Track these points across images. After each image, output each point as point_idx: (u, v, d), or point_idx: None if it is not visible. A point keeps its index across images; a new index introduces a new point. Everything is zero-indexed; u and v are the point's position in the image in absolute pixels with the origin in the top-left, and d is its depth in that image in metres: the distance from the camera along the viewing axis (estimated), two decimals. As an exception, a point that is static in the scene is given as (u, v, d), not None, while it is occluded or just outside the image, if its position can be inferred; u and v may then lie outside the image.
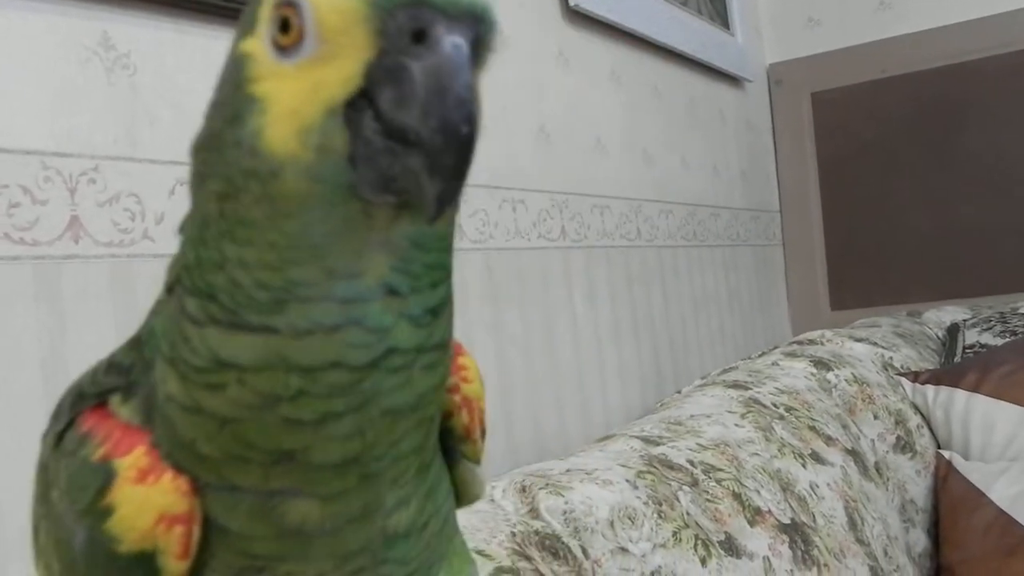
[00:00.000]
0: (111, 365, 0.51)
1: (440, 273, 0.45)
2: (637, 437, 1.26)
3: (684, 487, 1.16)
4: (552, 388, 1.90)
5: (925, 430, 1.97)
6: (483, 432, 0.59)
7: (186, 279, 0.45)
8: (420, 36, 0.40)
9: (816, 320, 3.09)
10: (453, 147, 0.39)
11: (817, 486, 1.39)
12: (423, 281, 0.44)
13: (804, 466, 1.41)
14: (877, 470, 1.70)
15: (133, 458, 0.47)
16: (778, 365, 1.83)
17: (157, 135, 1.27)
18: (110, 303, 1.20)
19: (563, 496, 1.03)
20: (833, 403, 1.75)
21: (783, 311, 3.25)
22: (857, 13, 3.18)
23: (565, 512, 1.01)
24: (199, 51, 1.33)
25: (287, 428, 0.43)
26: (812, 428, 1.54)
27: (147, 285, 1.23)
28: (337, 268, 0.42)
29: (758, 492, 1.25)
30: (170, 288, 0.47)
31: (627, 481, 1.10)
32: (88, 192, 1.18)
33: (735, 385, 1.62)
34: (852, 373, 1.91)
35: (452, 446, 0.56)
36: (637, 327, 2.27)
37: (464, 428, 0.56)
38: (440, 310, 0.46)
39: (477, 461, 0.59)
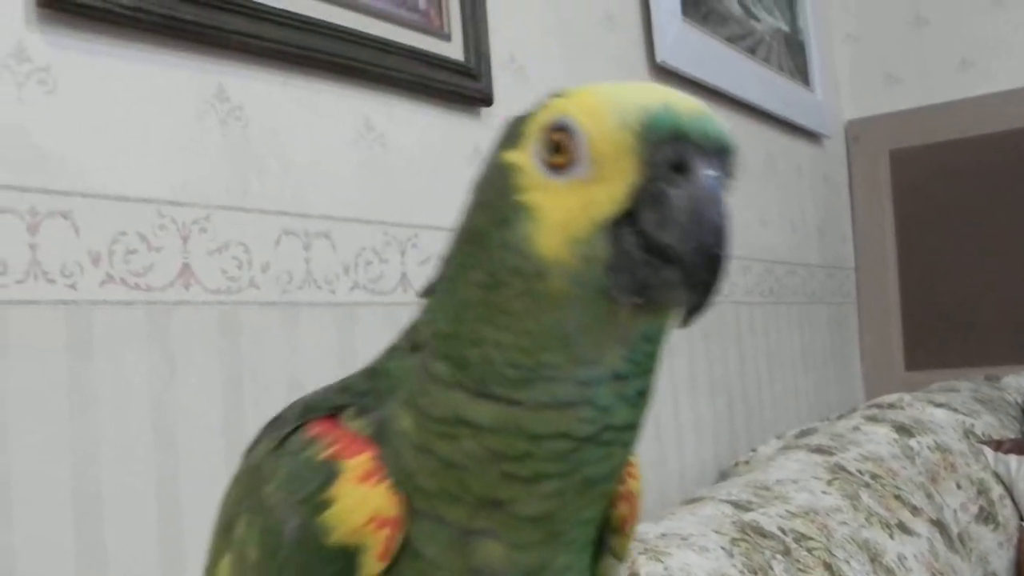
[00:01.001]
0: (344, 388, 0.57)
1: (654, 362, 0.51)
2: (727, 502, 1.26)
3: (777, 555, 1.15)
4: (630, 443, 1.89)
5: (1008, 501, 1.93)
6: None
7: (440, 346, 0.51)
8: (680, 167, 0.46)
9: (890, 381, 3.04)
10: (709, 267, 0.45)
11: (905, 558, 1.38)
12: (641, 368, 0.50)
13: (891, 536, 1.40)
14: (960, 541, 1.67)
15: (359, 461, 0.52)
16: (860, 430, 1.81)
17: (265, 185, 1.30)
18: (216, 348, 1.23)
19: (662, 562, 1.03)
20: (916, 471, 1.72)
21: (856, 370, 3.21)
22: (938, 71, 3.16)
23: (664, 579, 1.01)
24: (305, 104, 1.37)
25: (504, 481, 0.49)
26: (898, 497, 1.53)
27: (252, 332, 1.27)
28: (582, 356, 0.48)
29: (848, 563, 1.24)
30: (414, 346, 0.54)
31: (722, 548, 1.10)
32: (200, 240, 1.22)
33: (819, 450, 1.61)
34: (934, 440, 1.88)
35: (603, 538, 0.60)
36: (713, 383, 2.26)
37: (622, 520, 0.60)
38: (646, 393, 0.51)
39: (622, 559, 0.62)
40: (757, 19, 2.67)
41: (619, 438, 0.50)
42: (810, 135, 3.03)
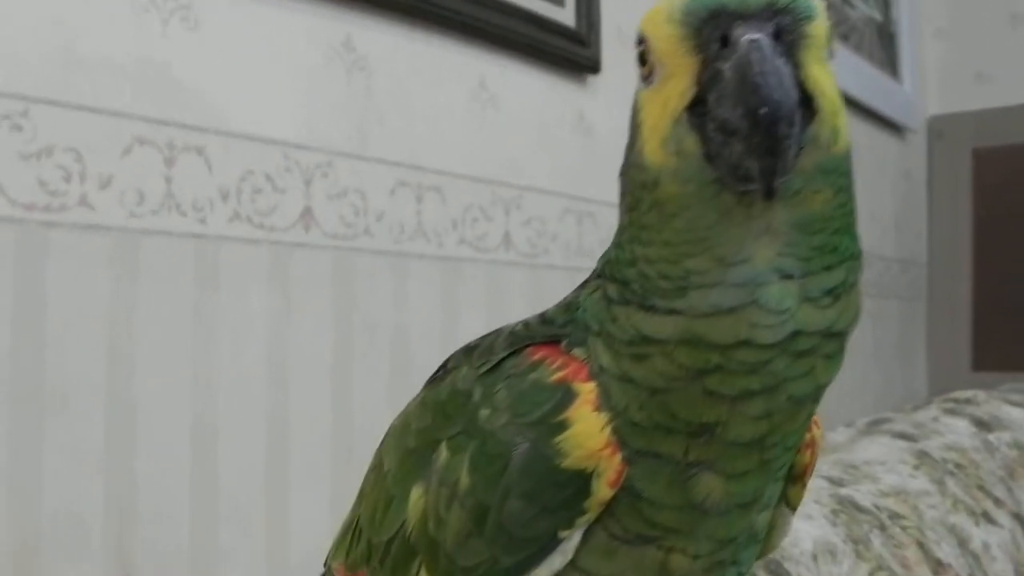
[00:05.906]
0: (545, 320, 0.57)
1: (832, 256, 0.48)
2: (820, 476, 1.27)
3: (875, 529, 1.16)
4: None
5: (1083, 504, 1.91)
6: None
7: (608, 271, 0.52)
8: (725, 40, 0.45)
9: (955, 379, 3.01)
10: (760, 128, 0.43)
11: (989, 546, 1.38)
12: (815, 264, 0.47)
13: (976, 524, 1.40)
14: (1038, 538, 1.66)
15: (590, 387, 0.51)
16: (939, 421, 1.80)
17: (385, 136, 1.33)
18: (330, 292, 1.26)
19: (767, 525, 1.04)
20: (996, 465, 1.72)
21: (921, 367, 3.19)
22: (1031, 71, 3.11)
23: (770, 540, 1.02)
24: (427, 58, 1.39)
25: (708, 401, 0.48)
26: (981, 488, 1.52)
27: (364, 278, 1.29)
28: (726, 256, 0.46)
29: (938, 544, 1.25)
30: (599, 275, 0.54)
31: (825, 518, 1.12)
32: (321, 185, 1.25)
33: (902, 436, 1.61)
34: (1012, 437, 1.87)
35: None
36: (788, 367, 2.26)
37: (803, 467, 0.59)
38: (839, 292, 0.48)
39: (795, 508, 0.62)
40: (852, 6, 2.65)
41: (818, 347, 0.48)
42: (894, 128, 3.00)
